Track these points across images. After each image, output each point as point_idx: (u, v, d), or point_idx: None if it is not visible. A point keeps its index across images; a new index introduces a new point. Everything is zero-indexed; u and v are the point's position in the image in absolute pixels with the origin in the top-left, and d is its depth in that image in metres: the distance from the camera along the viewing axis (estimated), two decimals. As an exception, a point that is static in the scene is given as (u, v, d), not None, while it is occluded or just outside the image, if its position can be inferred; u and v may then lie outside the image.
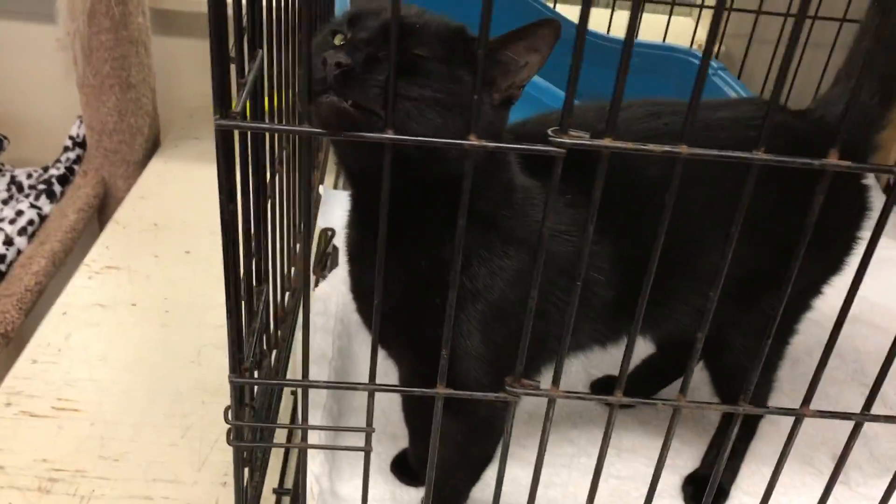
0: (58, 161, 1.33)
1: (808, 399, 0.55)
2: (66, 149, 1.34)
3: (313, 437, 0.75)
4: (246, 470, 0.62)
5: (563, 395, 0.56)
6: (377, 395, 0.55)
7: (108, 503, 0.77)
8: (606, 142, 0.46)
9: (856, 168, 0.46)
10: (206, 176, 1.31)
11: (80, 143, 1.35)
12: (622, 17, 1.35)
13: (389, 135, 0.45)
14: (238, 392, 0.56)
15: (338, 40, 0.57)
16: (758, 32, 1.33)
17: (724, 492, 0.81)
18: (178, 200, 1.25)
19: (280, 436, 0.73)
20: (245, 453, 0.61)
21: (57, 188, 1.27)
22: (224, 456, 0.83)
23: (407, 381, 0.71)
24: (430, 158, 0.55)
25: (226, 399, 0.88)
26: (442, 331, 0.57)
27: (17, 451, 0.81)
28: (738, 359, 0.73)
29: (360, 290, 0.65)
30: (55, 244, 1.16)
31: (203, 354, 0.96)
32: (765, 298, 0.69)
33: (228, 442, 0.58)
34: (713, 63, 1.27)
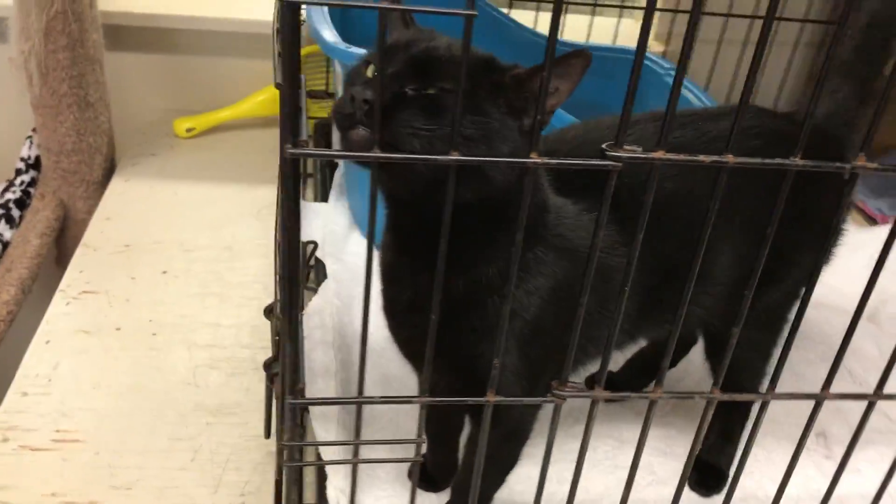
0: (11, 184, 1.28)
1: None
2: (18, 172, 1.30)
3: (328, 453, 0.77)
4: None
5: (606, 395, 0.59)
6: (387, 406, 0.57)
7: (129, 533, 0.76)
8: (659, 154, 0.49)
9: (812, 167, 0.50)
10: (170, 193, 1.31)
11: (33, 165, 1.30)
12: (580, 20, 1.39)
13: (455, 156, 0.47)
14: (293, 414, 0.56)
15: (369, 72, 0.58)
16: (701, 32, 1.39)
17: (723, 475, 0.86)
18: (146, 220, 1.22)
19: (309, 452, 0.74)
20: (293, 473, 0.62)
21: (15, 213, 1.23)
22: (238, 476, 0.83)
23: (433, 393, 0.73)
24: (477, 180, 0.57)
25: (228, 419, 0.89)
26: (477, 348, 0.60)
27: (23, 486, 0.79)
28: (740, 350, 0.77)
29: (395, 310, 0.66)
30: (22, 271, 1.12)
31: (198, 375, 0.95)
32: (766, 294, 0.74)
33: (280, 464, 0.59)
34: (664, 63, 1.33)
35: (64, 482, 0.80)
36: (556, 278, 0.64)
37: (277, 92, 1.49)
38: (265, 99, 1.47)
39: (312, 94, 1.43)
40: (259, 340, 1.02)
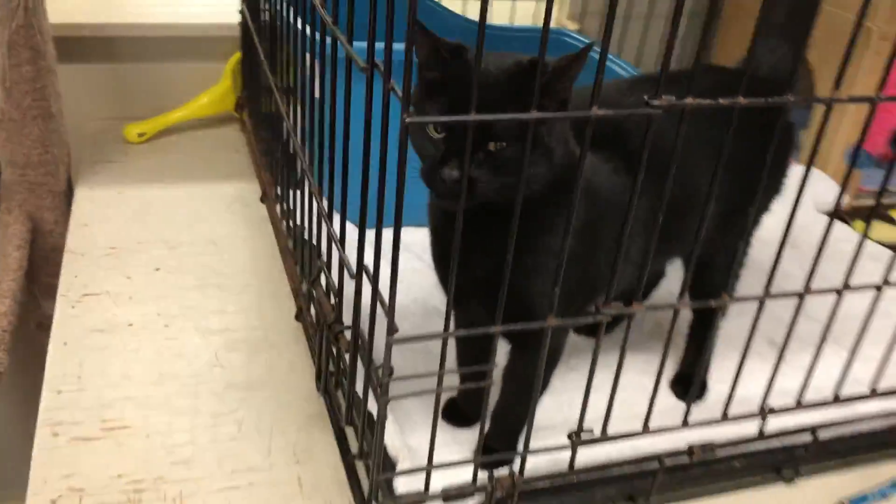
0: (-27, 202, 1.28)
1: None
2: (-24, 190, 1.30)
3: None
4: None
5: (642, 308, 0.71)
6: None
7: (203, 498, 0.82)
8: (689, 101, 0.61)
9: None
10: (139, 196, 1.36)
11: (-9, 182, 1.30)
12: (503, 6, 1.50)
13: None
14: (389, 351, 0.65)
15: (433, 133, 0.66)
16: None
17: (703, 384, 0.99)
18: (124, 223, 1.26)
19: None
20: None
21: (-16, 230, 1.23)
22: (286, 439, 0.90)
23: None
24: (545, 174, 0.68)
25: (260, 392, 0.97)
26: (526, 284, 0.70)
27: (87, 473, 0.84)
28: (721, 261, 0.91)
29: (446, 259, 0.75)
30: (11, 283, 1.14)
31: (221, 357, 1.01)
32: (742, 216, 0.88)
33: (378, 397, 0.67)
34: (584, 39, 1.46)
35: (124, 465, 0.85)
36: (582, 220, 0.75)
37: (224, 91, 1.54)
38: (212, 98, 1.51)
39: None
40: (266, 322, 1.08)
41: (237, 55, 1.52)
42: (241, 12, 1.40)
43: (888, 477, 0.94)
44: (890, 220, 1.46)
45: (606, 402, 0.77)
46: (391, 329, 0.64)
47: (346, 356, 0.79)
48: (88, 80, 1.48)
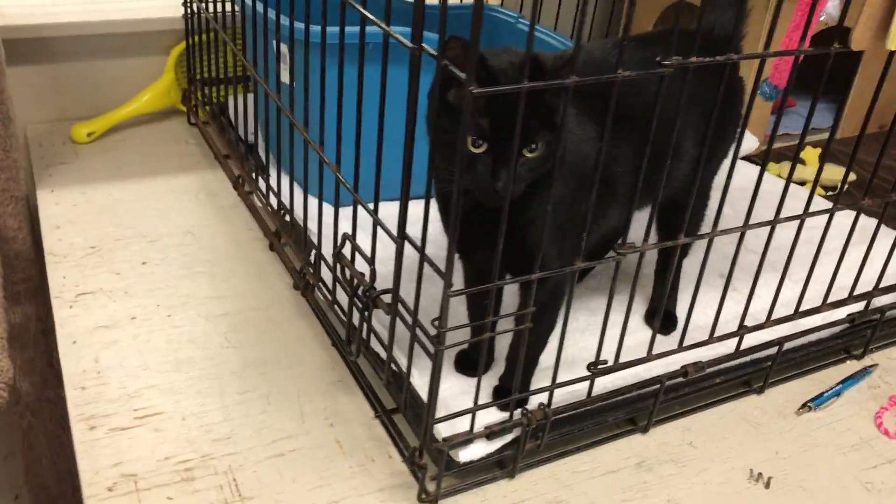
0: (-70, 215, 1.25)
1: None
2: (-67, 200, 1.27)
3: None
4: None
5: (651, 247, 0.81)
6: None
7: (252, 468, 0.87)
8: (693, 59, 0.71)
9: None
10: (104, 194, 1.38)
11: (-53, 192, 1.27)
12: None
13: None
14: (447, 303, 0.72)
15: (473, 147, 0.73)
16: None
17: (672, 315, 1.11)
18: (96, 222, 1.26)
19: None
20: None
21: (-46, 240, 1.21)
22: (314, 406, 0.96)
23: (477, 281, 0.90)
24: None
25: (278, 367, 1.03)
26: (534, 239, 0.79)
27: (134, 459, 0.87)
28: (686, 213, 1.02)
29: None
30: (-6, 291, 1.13)
31: (230, 339, 1.05)
32: (713, 160, 1.00)
33: (435, 347, 0.74)
34: (513, 14, 1.55)
35: (168, 447, 0.89)
36: (575, 177, 0.84)
37: (169, 84, 1.57)
38: (158, 93, 1.52)
39: (206, 82, 1.50)
40: (264, 301, 1.13)
41: (180, 47, 1.52)
42: (188, 5, 1.42)
43: (837, 379, 1.09)
44: (801, 162, 1.63)
45: (602, 337, 0.86)
46: (448, 283, 0.71)
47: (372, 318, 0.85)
48: (27, 83, 1.45)
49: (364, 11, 0.77)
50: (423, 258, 0.74)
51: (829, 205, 0.96)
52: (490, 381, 0.96)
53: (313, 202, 1.09)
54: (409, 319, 0.81)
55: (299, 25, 0.99)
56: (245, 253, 1.23)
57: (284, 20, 1.04)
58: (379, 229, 0.82)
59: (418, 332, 0.79)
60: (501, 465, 0.89)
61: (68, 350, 1.01)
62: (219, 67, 1.49)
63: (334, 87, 0.85)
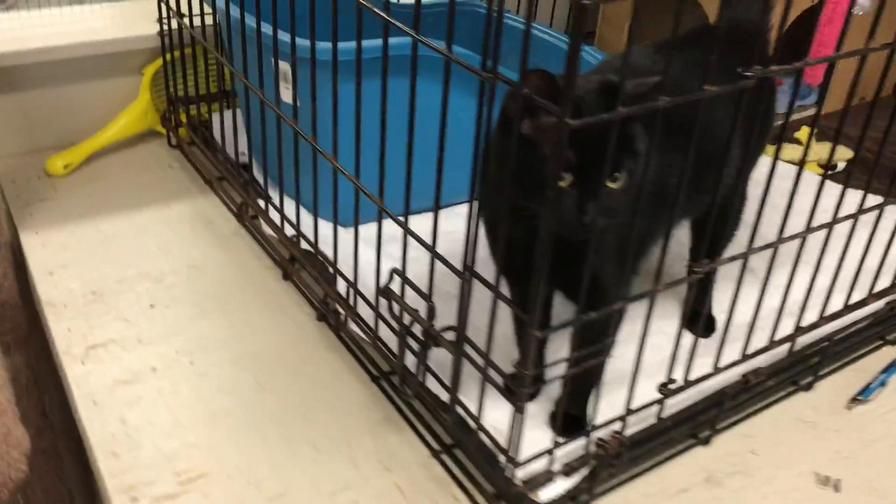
0: None
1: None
2: None
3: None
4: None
5: (724, 261, 0.78)
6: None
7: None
8: (774, 68, 0.67)
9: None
10: (93, 231, 1.30)
11: (-80, 243, 1.18)
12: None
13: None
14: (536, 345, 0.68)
15: (566, 182, 0.68)
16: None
17: (711, 318, 1.09)
18: (91, 264, 1.18)
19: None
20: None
21: (-62, 296, 1.12)
22: (366, 449, 0.90)
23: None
24: None
25: (319, 409, 0.98)
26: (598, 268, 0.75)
27: (187, 529, 0.81)
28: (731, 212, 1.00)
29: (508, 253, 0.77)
30: (-9, 350, 1.04)
31: (262, 382, 0.99)
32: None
33: (518, 390, 0.70)
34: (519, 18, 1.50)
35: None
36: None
37: (145, 106, 1.48)
38: (134, 116, 1.43)
39: (184, 101, 1.42)
40: (288, 336, 1.07)
41: (154, 66, 1.43)
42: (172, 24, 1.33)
43: (875, 366, 1.09)
44: (797, 142, 1.63)
45: (672, 361, 0.83)
46: (533, 324, 0.67)
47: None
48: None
49: (414, 33, 0.72)
50: (498, 296, 0.70)
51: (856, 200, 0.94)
52: (543, 405, 0.92)
53: (324, 224, 1.02)
54: (476, 359, 0.77)
55: (324, 45, 0.91)
56: (257, 284, 1.17)
57: (285, 35, 0.98)
58: (436, 262, 0.78)
59: (491, 372, 0.75)
60: (573, 498, 0.86)
61: (90, 413, 0.93)
62: (198, 84, 1.40)
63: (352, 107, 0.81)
